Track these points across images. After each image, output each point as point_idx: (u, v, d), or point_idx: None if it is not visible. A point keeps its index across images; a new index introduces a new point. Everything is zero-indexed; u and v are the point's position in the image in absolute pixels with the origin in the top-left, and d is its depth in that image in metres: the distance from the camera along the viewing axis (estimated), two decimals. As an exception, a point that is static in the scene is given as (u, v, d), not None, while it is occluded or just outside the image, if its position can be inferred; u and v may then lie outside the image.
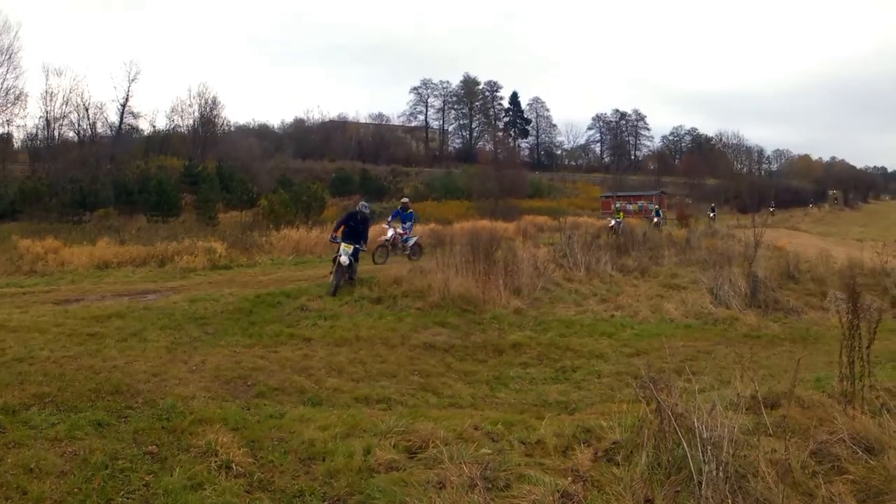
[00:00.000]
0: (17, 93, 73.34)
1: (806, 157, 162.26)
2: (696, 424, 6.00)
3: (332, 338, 14.67)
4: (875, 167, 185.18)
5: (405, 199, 30.38)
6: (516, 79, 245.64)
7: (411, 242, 27.42)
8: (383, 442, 7.48)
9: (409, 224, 27.77)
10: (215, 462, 6.77)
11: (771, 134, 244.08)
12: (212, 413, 8.44)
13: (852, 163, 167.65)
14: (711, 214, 66.63)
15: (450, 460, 6.65)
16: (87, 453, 6.78)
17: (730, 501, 5.39)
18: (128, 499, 6.00)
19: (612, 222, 41.16)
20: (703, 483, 5.60)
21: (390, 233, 27.29)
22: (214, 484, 6.28)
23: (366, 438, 7.62)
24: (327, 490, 6.35)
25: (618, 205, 42.09)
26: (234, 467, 6.71)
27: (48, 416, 7.86)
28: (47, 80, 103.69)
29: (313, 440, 7.60)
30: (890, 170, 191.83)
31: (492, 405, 11.21)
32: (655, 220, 44.52)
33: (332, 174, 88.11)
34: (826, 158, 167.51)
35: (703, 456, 5.73)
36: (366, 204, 21.09)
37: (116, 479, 6.33)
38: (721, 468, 5.62)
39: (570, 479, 6.28)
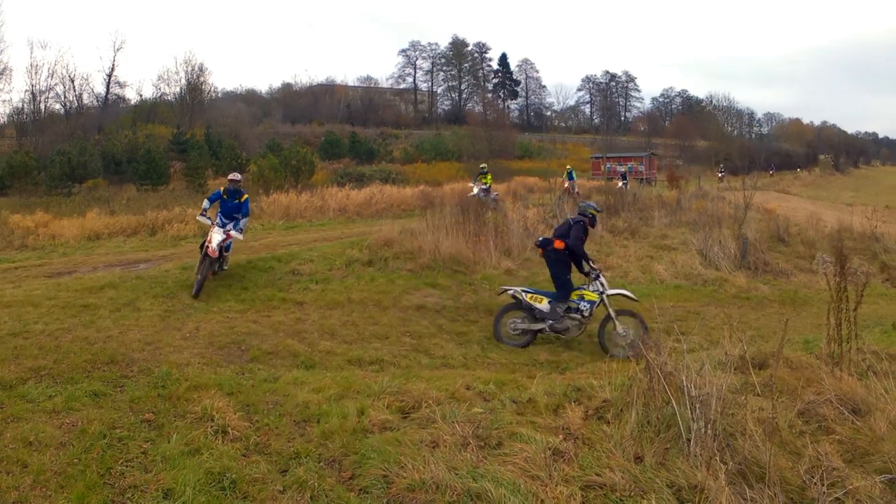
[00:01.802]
0: (2, 67, 72.89)
1: (797, 121, 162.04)
2: (684, 383, 6.10)
3: (324, 301, 14.73)
4: (867, 132, 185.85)
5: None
6: (506, 40, 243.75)
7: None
8: (377, 403, 7.59)
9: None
10: (211, 427, 6.85)
11: (762, 97, 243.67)
12: (207, 379, 8.52)
13: (844, 128, 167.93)
14: (720, 175, 66.71)
15: (442, 420, 6.76)
16: (84, 424, 6.84)
17: (717, 459, 5.48)
18: (127, 467, 6.07)
19: (620, 184, 41.42)
20: (692, 441, 5.71)
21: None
22: (211, 449, 6.35)
23: (359, 400, 7.72)
24: (322, 451, 6.45)
25: (630, 165, 42.20)
26: (230, 432, 6.79)
27: (45, 389, 7.91)
28: (32, 53, 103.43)
29: (307, 403, 7.70)
30: (881, 135, 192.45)
31: (483, 365, 11.33)
32: (620, 184, 43.33)
33: (322, 138, 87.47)
34: (817, 123, 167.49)
35: (692, 414, 5.84)
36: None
37: (115, 448, 6.40)
38: (709, 426, 5.72)
39: (561, 436, 6.39)
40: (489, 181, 33.83)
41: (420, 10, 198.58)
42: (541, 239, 14.42)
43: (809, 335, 11.81)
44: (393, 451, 6.12)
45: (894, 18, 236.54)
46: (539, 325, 13.55)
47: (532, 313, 13.59)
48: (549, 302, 13.54)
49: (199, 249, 15.48)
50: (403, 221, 23.59)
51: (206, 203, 16.16)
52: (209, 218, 15.90)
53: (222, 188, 16.45)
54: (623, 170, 44.52)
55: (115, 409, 7.39)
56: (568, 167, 41.54)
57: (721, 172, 69.26)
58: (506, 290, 14.10)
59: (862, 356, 8.13)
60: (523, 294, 13.75)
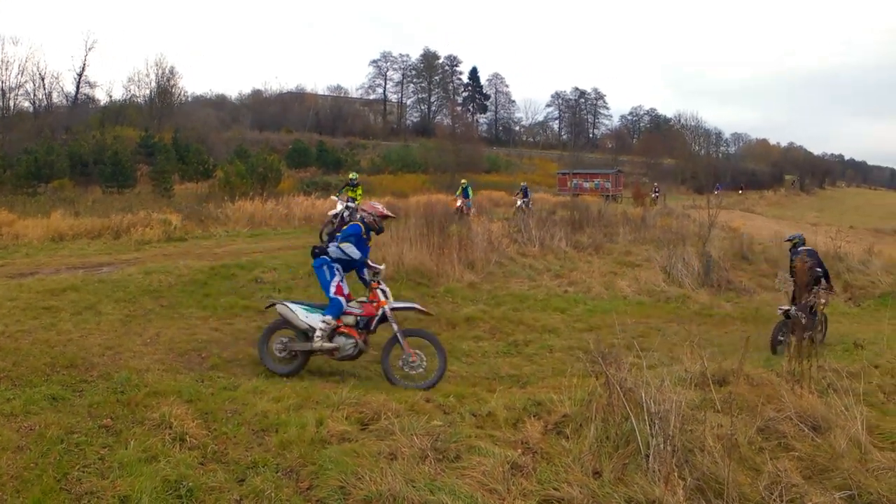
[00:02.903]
0: (-29, 62, 72.26)
1: (764, 142, 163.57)
2: (644, 399, 6.16)
3: (286, 310, 14.74)
4: (832, 154, 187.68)
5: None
6: (477, 54, 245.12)
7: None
8: (336, 414, 7.60)
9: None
10: (169, 434, 6.82)
11: (730, 117, 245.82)
12: (166, 386, 8.48)
13: (810, 149, 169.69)
14: (654, 195, 66.58)
15: (401, 432, 6.78)
16: (42, 428, 6.80)
17: (676, 474, 5.54)
18: (84, 472, 6.03)
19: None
20: (651, 456, 5.76)
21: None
22: (169, 456, 6.33)
23: (318, 410, 7.72)
24: (280, 461, 6.44)
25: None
26: (188, 439, 6.76)
27: (3, 392, 7.84)
28: (2, 48, 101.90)
29: (266, 412, 7.69)
30: (847, 157, 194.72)
31: (444, 378, 11.33)
32: (519, 203, 39.13)
33: (289, 146, 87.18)
34: (784, 143, 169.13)
35: (651, 430, 5.89)
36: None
37: (72, 454, 6.36)
38: (668, 442, 5.77)
39: (519, 450, 6.43)
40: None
41: (392, 21, 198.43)
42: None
43: (770, 353, 11.94)
44: (351, 463, 6.12)
45: (862, 43, 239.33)
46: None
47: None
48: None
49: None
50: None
51: None
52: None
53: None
54: (523, 184, 40.59)
55: (73, 413, 7.34)
56: (463, 182, 37.53)
57: (655, 193, 68.81)
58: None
59: (823, 374, 8.25)
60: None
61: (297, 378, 10.31)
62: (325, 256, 11.29)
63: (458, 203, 33.21)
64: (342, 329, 11.10)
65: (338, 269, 11.31)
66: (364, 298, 11.52)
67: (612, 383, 6.57)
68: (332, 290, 11.13)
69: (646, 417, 6.00)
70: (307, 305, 11.33)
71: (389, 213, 12.31)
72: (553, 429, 6.97)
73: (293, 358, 11.04)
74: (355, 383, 9.78)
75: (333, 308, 11.03)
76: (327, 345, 10.87)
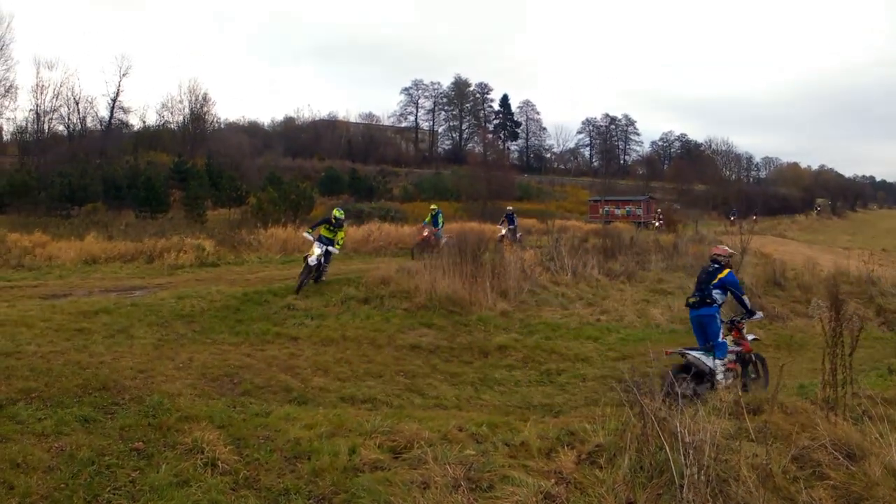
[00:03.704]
0: (8, 85, 72.98)
1: (795, 165, 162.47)
2: (678, 429, 6.07)
3: (319, 337, 14.73)
4: (864, 176, 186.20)
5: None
6: (507, 82, 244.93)
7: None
8: (368, 442, 7.54)
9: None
10: (201, 459, 6.81)
11: (760, 141, 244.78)
12: (198, 410, 8.48)
13: (841, 171, 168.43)
14: (732, 218, 66.29)
15: (434, 461, 6.71)
16: (73, 449, 6.80)
17: (711, 504, 5.46)
18: (114, 495, 6.03)
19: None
20: (685, 486, 5.66)
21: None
22: (200, 481, 6.31)
23: (351, 438, 7.68)
24: (312, 489, 6.41)
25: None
26: (219, 465, 6.75)
27: (35, 412, 7.87)
28: (38, 72, 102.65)
29: (299, 439, 7.65)
30: (878, 179, 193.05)
31: (476, 407, 11.27)
32: (504, 231, 34.50)
33: (322, 173, 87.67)
34: (815, 167, 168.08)
35: (685, 460, 5.80)
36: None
37: (103, 476, 6.36)
38: (703, 472, 5.68)
39: (553, 480, 6.35)
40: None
41: (424, 49, 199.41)
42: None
43: (805, 380, 11.78)
44: (383, 491, 6.08)
45: (890, 65, 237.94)
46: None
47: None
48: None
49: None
50: (401, 260, 23.63)
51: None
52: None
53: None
54: (509, 209, 35.61)
55: (104, 435, 7.34)
56: (433, 207, 31.87)
57: (733, 215, 68.76)
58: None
59: (857, 401, 8.13)
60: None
61: (329, 405, 10.27)
62: (715, 305, 12.23)
63: (425, 233, 29.35)
64: (729, 366, 12.15)
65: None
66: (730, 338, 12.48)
67: (646, 413, 6.49)
68: (721, 336, 12.14)
69: (680, 447, 5.92)
70: (699, 350, 12.12)
71: (733, 252, 13.79)
72: (586, 458, 6.88)
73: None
74: (388, 411, 9.72)
75: (722, 350, 11.98)
76: (727, 382, 11.66)
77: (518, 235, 34.59)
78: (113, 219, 46.55)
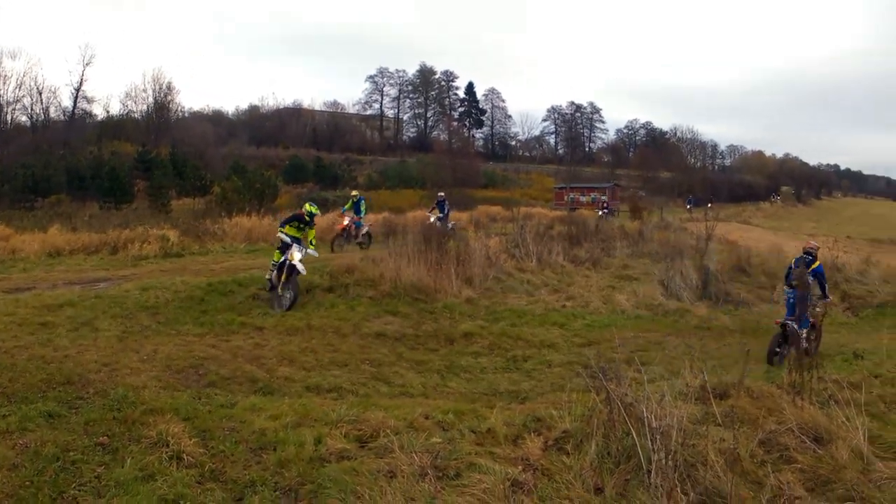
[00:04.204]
0: (-30, 75, 72.36)
1: (759, 154, 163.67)
2: (645, 414, 6.12)
3: (284, 326, 14.67)
4: (829, 165, 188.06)
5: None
6: (473, 70, 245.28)
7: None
8: (334, 431, 7.55)
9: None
10: (166, 453, 6.78)
11: (726, 130, 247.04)
12: (163, 403, 8.44)
13: (806, 160, 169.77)
14: (689, 207, 66.64)
15: (400, 449, 6.73)
16: (38, 445, 6.75)
17: (679, 489, 5.51)
18: (79, 491, 5.99)
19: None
20: (653, 471, 5.72)
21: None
22: (166, 475, 6.29)
23: (317, 428, 7.67)
24: (278, 480, 6.41)
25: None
26: (185, 458, 6.72)
27: (-2, 408, 7.82)
28: (0, 63, 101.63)
29: (264, 430, 7.64)
30: (843, 167, 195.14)
31: (443, 394, 11.30)
32: (433, 219, 31.10)
33: (286, 162, 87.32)
34: (780, 155, 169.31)
35: (653, 445, 5.85)
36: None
37: (68, 472, 6.32)
38: (670, 457, 5.74)
39: (520, 467, 6.38)
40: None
41: (389, 37, 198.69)
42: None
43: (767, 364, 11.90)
44: (350, 481, 6.09)
45: (855, 55, 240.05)
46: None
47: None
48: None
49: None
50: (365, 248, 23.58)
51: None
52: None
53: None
54: (441, 195, 32.49)
55: (69, 430, 7.29)
56: (354, 193, 30.07)
57: (689, 204, 69.25)
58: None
59: (823, 385, 8.24)
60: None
61: (294, 395, 10.25)
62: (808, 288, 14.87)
63: (346, 221, 27.88)
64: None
65: None
66: None
67: (612, 398, 6.54)
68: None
69: (647, 433, 5.97)
70: (791, 320, 14.56)
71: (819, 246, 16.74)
72: (553, 445, 6.91)
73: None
74: (354, 400, 9.71)
75: (806, 322, 14.57)
76: (805, 345, 13.89)
77: (451, 225, 31.20)
78: (77, 210, 46.29)
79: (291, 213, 20.52)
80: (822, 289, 15.28)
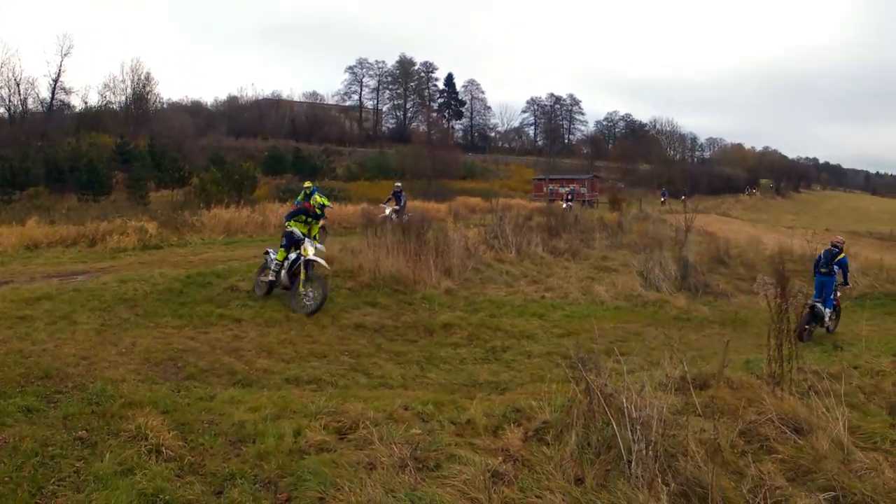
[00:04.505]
0: (-53, 67, 71.95)
1: (739, 146, 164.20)
2: (625, 404, 6.13)
3: (263, 318, 14.63)
4: (808, 158, 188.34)
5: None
6: (452, 61, 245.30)
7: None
8: (313, 423, 7.55)
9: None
10: (145, 446, 6.75)
11: (705, 122, 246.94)
12: (142, 396, 8.41)
13: (785, 153, 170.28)
14: (662, 200, 66.80)
15: (380, 441, 6.74)
16: (16, 440, 6.70)
17: (659, 480, 5.52)
18: (59, 486, 5.96)
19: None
20: (633, 462, 5.74)
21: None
22: (145, 469, 6.27)
23: (296, 420, 7.67)
24: (258, 472, 6.40)
25: (572, 187, 33.82)
26: (164, 451, 6.70)
27: (-24, 404, 7.77)
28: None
29: (243, 422, 7.64)
30: (822, 161, 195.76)
31: (422, 385, 11.32)
32: (388, 211, 30.33)
33: (265, 153, 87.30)
34: (759, 148, 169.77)
35: (633, 435, 5.87)
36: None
37: (47, 467, 6.28)
38: (650, 447, 5.76)
39: (500, 458, 6.40)
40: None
41: (368, 27, 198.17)
42: None
43: (750, 356, 11.97)
44: (329, 473, 6.09)
45: (835, 49, 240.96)
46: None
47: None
48: None
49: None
50: (344, 239, 23.55)
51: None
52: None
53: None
54: (398, 186, 31.85)
55: (47, 425, 7.25)
56: (307, 185, 27.58)
57: (663, 196, 69.51)
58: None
59: (803, 376, 8.29)
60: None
61: (273, 387, 10.23)
62: (833, 275, 17.56)
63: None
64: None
65: None
66: None
67: (592, 389, 6.56)
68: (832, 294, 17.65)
69: (627, 423, 5.98)
70: (819, 302, 17.34)
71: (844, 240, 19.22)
72: (533, 436, 6.93)
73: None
74: (333, 392, 9.72)
75: (830, 303, 17.53)
76: (829, 324, 17.54)
77: (406, 217, 28.95)
78: (55, 202, 46.16)
79: (299, 206, 19.68)
80: (845, 276, 17.94)
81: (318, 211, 17.62)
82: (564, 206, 43.51)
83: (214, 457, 6.75)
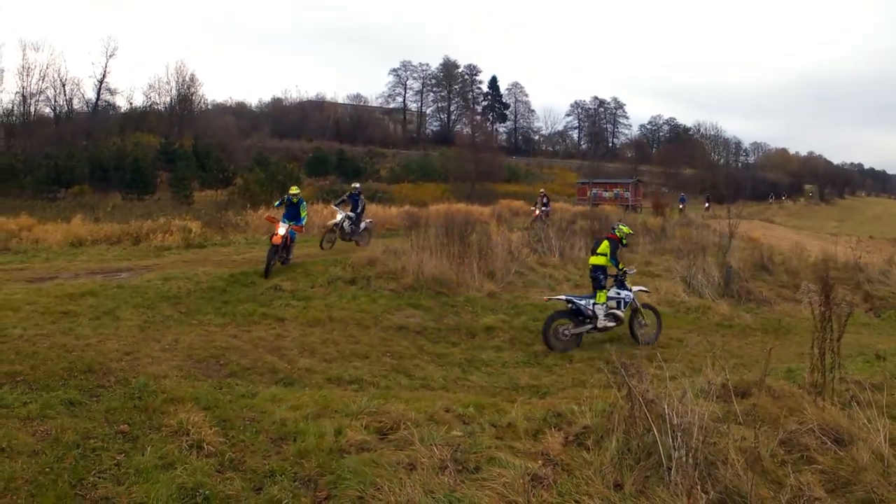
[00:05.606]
0: (-6, 68, 72.93)
1: (783, 151, 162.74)
2: (666, 411, 6.04)
3: (306, 318, 14.69)
4: (852, 163, 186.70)
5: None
6: (496, 63, 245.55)
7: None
8: (354, 423, 7.50)
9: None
10: (187, 441, 6.77)
11: (749, 126, 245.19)
12: (184, 392, 8.44)
13: (829, 158, 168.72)
14: (681, 206, 66.06)
15: (420, 442, 6.68)
16: (58, 432, 6.75)
17: (699, 488, 5.43)
18: (99, 478, 5.98)
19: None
20: (673, 469, 5.64)
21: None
22: (186, 463, 6.27)
23: (337, 419, 7.64)
24: (298, 470, 6.37)
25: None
26: (205, 447, 6.71)
27: (20, 395, 7.83)
28: (24, 54, 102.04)
29: (285, 420, 7.62)
30: (867, 166, 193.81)
31: (463, 388, 11.27)
32: (338, 218, 25.27)
33: (309, 154, 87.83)
34: (803, 153, 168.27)
35: (673, 442, 5.77)
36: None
37: (88, 459, 6.31)
38: (690, 454, 5.66)
39: (540, 462, 6.32)
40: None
41: (412, 30, 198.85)
42: None
43: (792, 364, 11.80)
44: (369, 473, 6.05)
45: (878, 56, 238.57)
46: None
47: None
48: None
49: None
50: (387, 241, 23.54)
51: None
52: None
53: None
54: (356, 186, 26.16)
55: (90, 418, 7.30)
56: (294, 190, 21.40)
57: (682, 203, 68.59)
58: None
59: (845, 386, 8.13)
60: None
61: (315, 386, 10.23)
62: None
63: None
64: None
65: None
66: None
67: (633, 395, 6.47)
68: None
69: (668, 430, 5.89)
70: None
71: None
72: (574, 440, 6.85)
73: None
74: (374, 392, 9.70)
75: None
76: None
77: (364, 224, 25.74)
78: (99, 201, 46.58)
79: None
80: None
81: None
82: (538, 212, 38.63)
83: (255, 453, 6.74)
